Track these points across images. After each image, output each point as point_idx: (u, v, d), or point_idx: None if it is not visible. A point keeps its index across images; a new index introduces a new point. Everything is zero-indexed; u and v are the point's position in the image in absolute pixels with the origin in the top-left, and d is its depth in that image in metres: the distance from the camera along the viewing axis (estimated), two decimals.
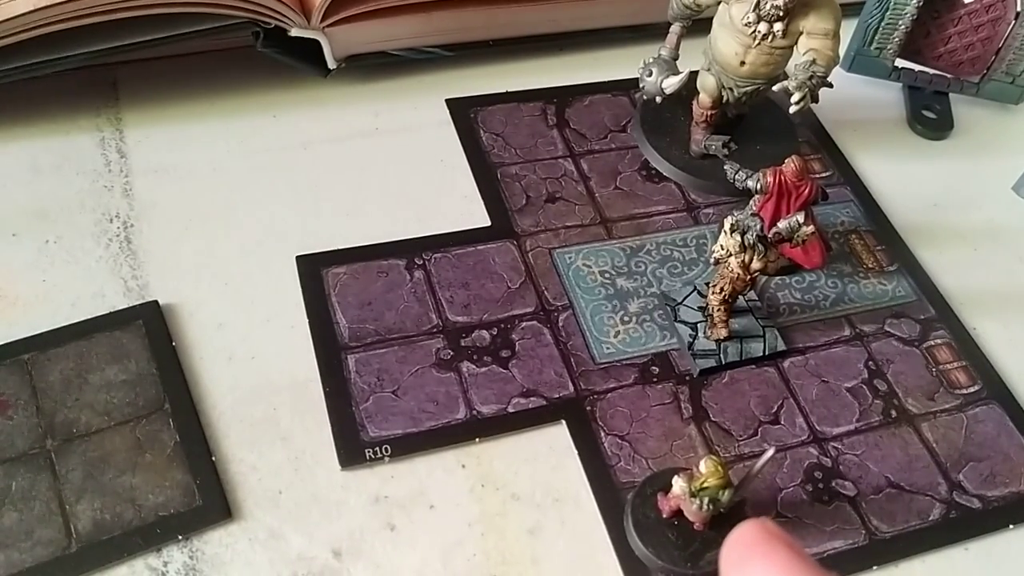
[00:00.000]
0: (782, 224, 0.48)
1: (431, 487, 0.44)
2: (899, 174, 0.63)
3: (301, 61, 0.59)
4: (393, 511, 0.43)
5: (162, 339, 0.47)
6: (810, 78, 0.51)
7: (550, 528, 0.44)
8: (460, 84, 0.63)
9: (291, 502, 0.43)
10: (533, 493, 0.45)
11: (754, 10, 0.51)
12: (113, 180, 0.54)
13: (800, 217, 0.48)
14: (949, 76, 0.67)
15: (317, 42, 0.59)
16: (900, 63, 0.67)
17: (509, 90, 0.63)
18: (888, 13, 0.64)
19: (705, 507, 0.41)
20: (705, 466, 0.41)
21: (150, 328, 0.47)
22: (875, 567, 0.44)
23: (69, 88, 0.58)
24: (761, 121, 0.61)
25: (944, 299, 0.56)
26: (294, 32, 0.57)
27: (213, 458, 0.44)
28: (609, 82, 0.65)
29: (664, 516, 0.43)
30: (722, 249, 0.47)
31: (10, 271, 0.49)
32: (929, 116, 0.67)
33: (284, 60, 0.59)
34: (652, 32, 0.65)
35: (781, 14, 0.51)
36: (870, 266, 0.57)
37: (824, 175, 0.62)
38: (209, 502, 0.42)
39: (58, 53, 0.53)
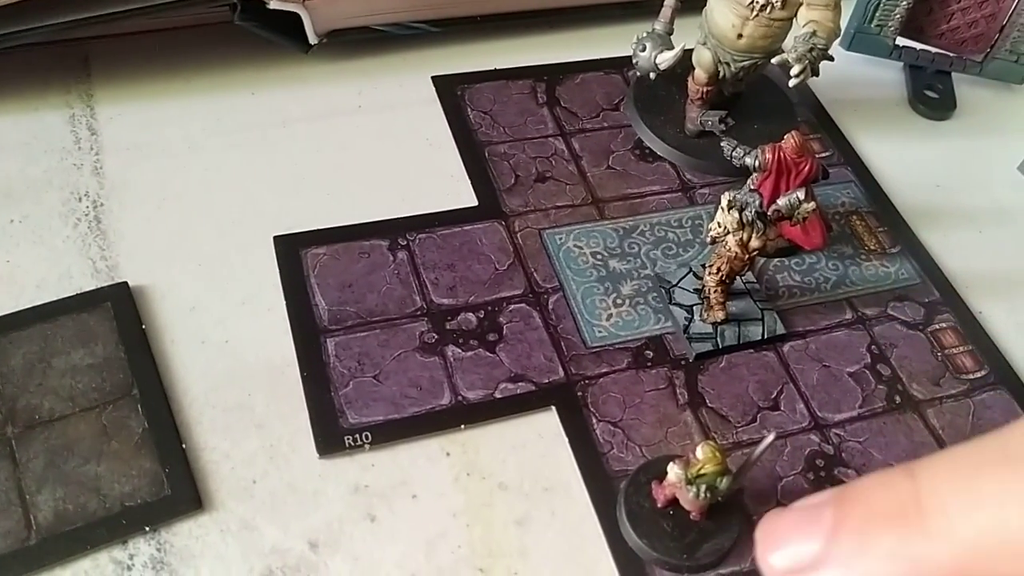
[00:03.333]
0: (782, 201, 0.46)
1: (414, 476, 0.42)
2: (901, 155, 0.61)
3: (281, 36, 0.57)
4: (373, 501, 0.41)
5: (131, 322, 0.45)
6: (810, 50, 0.49)
7: (539, 519, 0.42)
8: (447, 61, 0.61)
9: (265, 492, 0.41)
10: (521, 482, 0.43)
11: None
12: (83, 158, 0.52)
13: (800, 193, 0.46)
14: (952, 55, 0.65)
15: (298, 16, 0.56)
16: (901, 41, 0.65)
17: (498, 67, 0.61)
18: None
19: (702, 495, 0.39)
20: (702, 452, 0.39)
21: (119, 310, 0.45)
22: None
23: (39, 63, 0.56)
24: (758, 100, 0.59)
25: (949, 282, 0.54)
26: (273, 4, 0.55)
27: (183, 446, 0.42)
28: (601, 59, 0.63)
29: (659, 506, 0.41)
30: (719, 227, 0.45)
31: None
32: (931, 96, 0.65)
33: (263, 34, 0.56)
34: (646, 8, 0.63)
35: None
36: (872, 248, 0.55)
37: (824, 155, 0.60)
38: (178, 492, 0.40)
39: (27, 24, 0.51)
